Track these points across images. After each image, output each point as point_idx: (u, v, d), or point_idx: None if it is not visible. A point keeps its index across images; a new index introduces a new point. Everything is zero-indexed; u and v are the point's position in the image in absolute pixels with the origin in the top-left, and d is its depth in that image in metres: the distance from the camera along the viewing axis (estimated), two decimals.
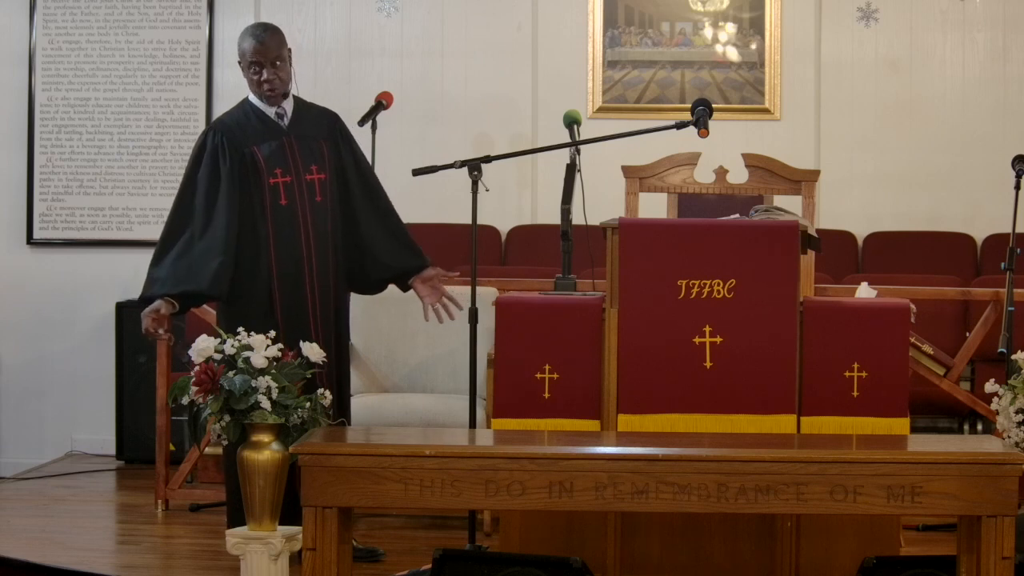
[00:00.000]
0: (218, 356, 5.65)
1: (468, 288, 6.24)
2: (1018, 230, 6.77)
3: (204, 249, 6.22)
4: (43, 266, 9.53)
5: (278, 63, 6.35)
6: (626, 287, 5.72)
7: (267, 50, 6.34)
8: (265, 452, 5.63)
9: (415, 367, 7.50)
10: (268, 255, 6.31)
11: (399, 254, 6.46)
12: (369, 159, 6.81)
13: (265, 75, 6.33)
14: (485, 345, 6.55)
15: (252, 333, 5.68)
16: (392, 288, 6.57)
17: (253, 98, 6.43)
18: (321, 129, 6.47)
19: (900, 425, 5.69)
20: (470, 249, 6.15)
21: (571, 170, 6.19)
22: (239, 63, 6.44)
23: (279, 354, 5.69)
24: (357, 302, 7.37)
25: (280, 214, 6.32)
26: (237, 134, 6.35)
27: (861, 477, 4.96)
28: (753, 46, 9.29)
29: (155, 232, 9.27)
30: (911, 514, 5.20)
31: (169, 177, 9.47)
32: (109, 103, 9.49)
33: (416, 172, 6.32)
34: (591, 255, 6.06)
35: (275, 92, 6.37)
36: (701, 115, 6.07)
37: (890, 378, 5.70)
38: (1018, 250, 6.81)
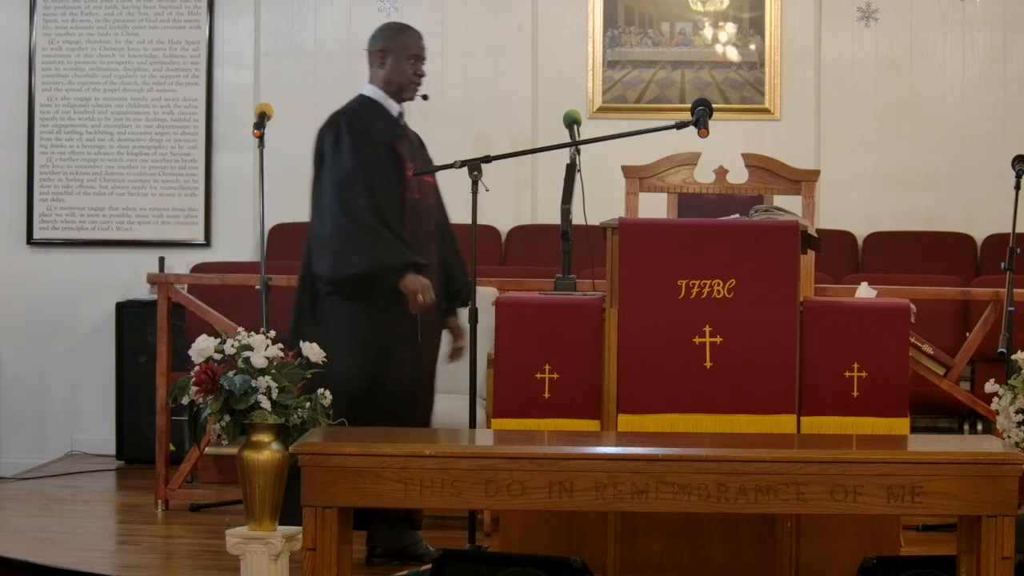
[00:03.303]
0: (218, 356, 5.65)
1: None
2: (1018, 230, 6.76)
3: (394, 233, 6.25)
4: (43, 266, 9.53)
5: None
6: (626, 287, 5.72)
7: (423, 47, 6.47)
8: (265, 452, 5.63)
9: None
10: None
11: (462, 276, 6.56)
12: None
13: (423, 69, 6.45)
14: (485, 345, 6.55)
15: (252, 333, 5.68)
16: None
17: (377, 95, 6.44)
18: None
19: (900, 425, 5.68)
20: (470, 249, 6.14)
21: (571, 170, 6.19)
22: (384, 51, 6.43)
23: (280, 354, 5.69)
24: None
25: (415, 207, 6.35)
26: (370, 125, 6.35)
27: (861, 477, 4.96)
28: (753, 46, 9.29)
29: (155, 232, 9.43)
30: (911, 514, 5.20)
31: (169, 177, 9.47)
32: (109, 103, 9.49)
33: (416, 172, 6.32)
34: (591, 255, 6.06)
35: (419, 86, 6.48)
36: (701, 115, 6.06)
37: (890, 378, 5.69)
38: (1018, 250, 6.81)
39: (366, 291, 6.20)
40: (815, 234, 5.98)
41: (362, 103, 6.45)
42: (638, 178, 7.29)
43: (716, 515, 5.62)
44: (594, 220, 6.02)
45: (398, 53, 6.42)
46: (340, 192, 6.20)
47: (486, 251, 9.00)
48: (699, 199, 7.32)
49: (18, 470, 8.93)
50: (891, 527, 5.77)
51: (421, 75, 6.46)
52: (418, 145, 6.56)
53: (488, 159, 6.22)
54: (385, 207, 6.21)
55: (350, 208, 6.18)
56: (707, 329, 5.68)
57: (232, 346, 5.65)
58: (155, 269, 9.13)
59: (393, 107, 6.44)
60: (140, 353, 8.95)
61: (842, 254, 9.09)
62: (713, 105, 6.14)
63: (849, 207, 9.28)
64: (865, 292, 6.85)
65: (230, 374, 5.61)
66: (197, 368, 5.64)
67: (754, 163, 7.26)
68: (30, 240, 9.54)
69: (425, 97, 6.50)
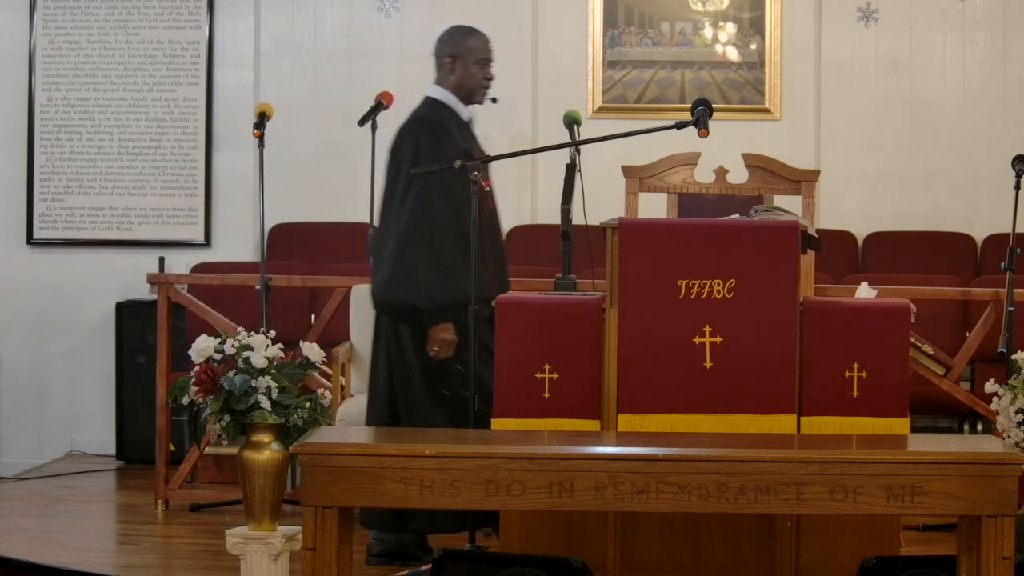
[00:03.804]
0: (218, 356, 5.65)
1: None
2: (1018, 230, 6.76)
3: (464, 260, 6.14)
4: (43, 266, 9.53)
5: None
6: (626, 287, 5.72)
7: (491, 50, 6.48)
8: (265, 452, 5.64)
9: None
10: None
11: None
12: (369, 160, 6.79)
13: (491, 72, 6.44)
14: None
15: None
16: None
17: (448, 98, 6.42)
18: None
19: (900, 425, 5.68)
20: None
21: (571, 170, 6.18)
22: (453, 57, 6.44)
23: (280, 354, 5.69)
24: (357, 302, 7.37)
25: (489, 217, 6.35)
26: (448, 133, 6.32)
27: (861, 477, 4.96)
28: (753, 46, 9.29)
29: (155, 232, 9.43)
30: (911, 514, 5.20)
31: (169, 177, 9.47)
32: (109, 103, 9.49)
33: (416, 172, 6.31)
34: (591, 255, 6.06)
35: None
36: (701, 115, 6.06)
37: (890, 378, 5.69)
38: (1018, 250, 6.81)
39: (410, 318, 6.20)
40: (815, 234, 5.98)
41: (435, 107, 6.41)
42: (638, 178, 7.29)
43: (716, 515, 5.62)
44: (594, 220, 6.02)
45: (467, 58, 6.41)
46: (415, 207, 6.16)
47: None
48: (699, 199, 7.32)
49: (18, 470, 8.93)
50: (891, 527, 5.77)
51: (490, 78, 6.46)
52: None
53: (488, 159, 6.21)
54: (459, 229, 6.15)
55: (421, 227, 6.15)
56: (707, 329, 5.68)
57: (232, 346, 5.65)
58: (155, 269, 9.13)
59: (463, 112, 6.43)
60: (140, 353, 8.95)
61: (842, 254, 9.09)
62: (713, 105, 6.14)
63: (849, 207, 9.28)
64: (865, 292, 6.85)
65: (230, 374, 5.62)
66: (197, 368, 5.65)
67: (754, 163, 7.26)
68: (30, 240, 9.54)
69: (494, 100, 6.48)
